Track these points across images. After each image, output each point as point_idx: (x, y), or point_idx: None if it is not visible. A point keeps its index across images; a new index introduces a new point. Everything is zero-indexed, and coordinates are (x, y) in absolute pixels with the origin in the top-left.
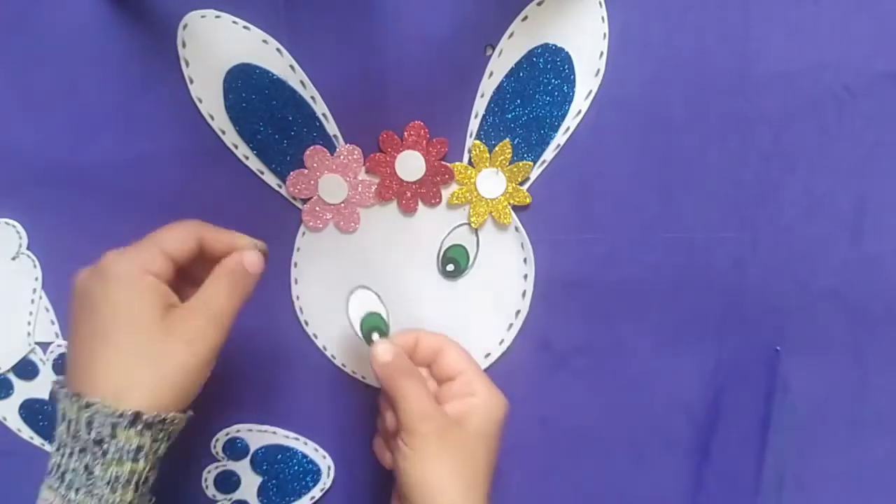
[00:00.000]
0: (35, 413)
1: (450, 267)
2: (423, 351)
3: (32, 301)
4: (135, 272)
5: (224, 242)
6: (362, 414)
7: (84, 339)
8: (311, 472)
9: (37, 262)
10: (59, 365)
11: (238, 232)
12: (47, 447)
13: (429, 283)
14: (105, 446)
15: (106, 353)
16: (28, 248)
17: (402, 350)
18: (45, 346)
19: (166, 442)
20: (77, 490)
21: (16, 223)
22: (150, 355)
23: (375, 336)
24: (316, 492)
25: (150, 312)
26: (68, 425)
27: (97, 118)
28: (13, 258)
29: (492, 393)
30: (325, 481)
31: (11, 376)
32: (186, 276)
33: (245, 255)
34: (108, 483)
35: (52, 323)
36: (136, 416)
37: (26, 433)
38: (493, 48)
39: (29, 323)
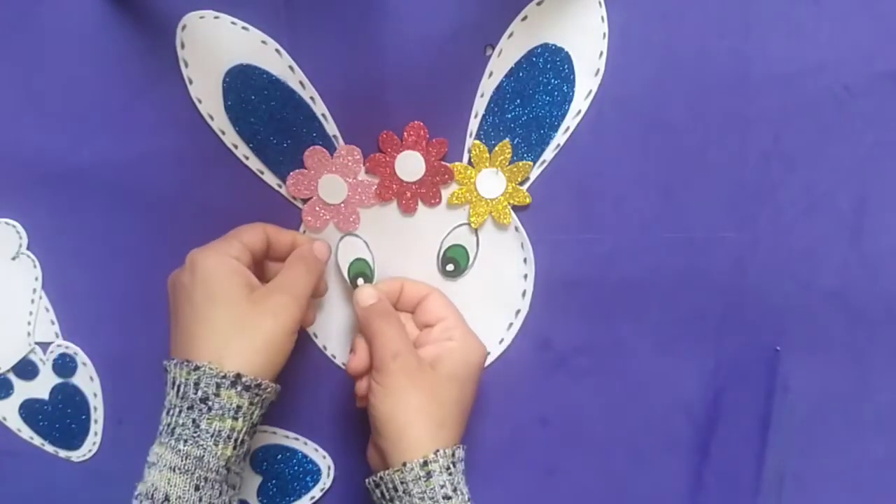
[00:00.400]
0: (35, 413)
1: (450, 267)
2: (407, 297)
3: (32, 301)
4: (219, 257)
5: (287, 240)
6: (362, 414)
7: (185, 320)
8: (311, 472)
9: (37, 262)
10: (59, 365)
11: (295, 233)
12: (47, 447)
13: (429, 282)
14: (210, 403)
15: (206, 326)
16: (28, 248)
17: (386, 296)
18: (44, 345)
19: (260, 409)
20: (185, 441)
21: (16, 223)
22: (243, 326)
23: (360, 281)
24: (316, 492)
25: (237, 289)
26: (178, 389)
27: (97, 119)
28: (13, 258)
29: (468, 338)
30: (325, 481)
31: (11, 376)
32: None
33: (315, 244)
34: (212, 436)
35: (52, 323)
36: (237, 378)
37: (26, 433)
38: (493, 48)
39: (29, 323)
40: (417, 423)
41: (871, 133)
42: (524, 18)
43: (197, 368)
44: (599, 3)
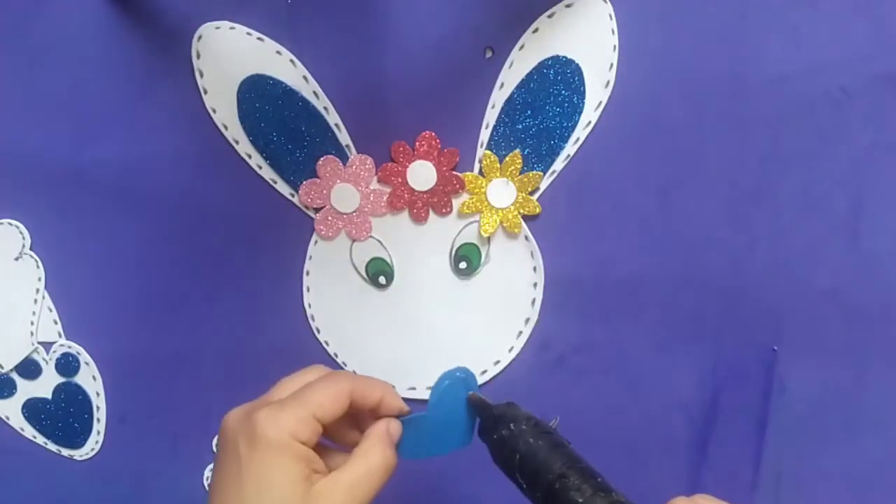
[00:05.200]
0: (37, 412)
1: (462, 265)
2: None
3: (35, 301)
4: (284, 441)
5: (375, 397)
6: None
7: (227, 495)
8: None
9: (40, 263)
10: (62, 364)
11: (383, 384)
12: (50, 446)
13: (439, 291)
14: None
15: None
16: (31, 249)
17: None
18: (47, 345)
19: None
20: None
21: (19, 223)
22: None
23: (382, 279)
24: None
25: (293, 487)
26: None
27: (102, 121)
28: (16, 258)
29: None
30: None
31: (14, 376)
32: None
33: (392, 423)
34: None
35: (55, 323)
36: None
37: (29, 432)
38: (493, 50)
39: (32, 323)
40: None
41: (869, 134)
42: (535, 30)
43: None
44: (610, 15)
